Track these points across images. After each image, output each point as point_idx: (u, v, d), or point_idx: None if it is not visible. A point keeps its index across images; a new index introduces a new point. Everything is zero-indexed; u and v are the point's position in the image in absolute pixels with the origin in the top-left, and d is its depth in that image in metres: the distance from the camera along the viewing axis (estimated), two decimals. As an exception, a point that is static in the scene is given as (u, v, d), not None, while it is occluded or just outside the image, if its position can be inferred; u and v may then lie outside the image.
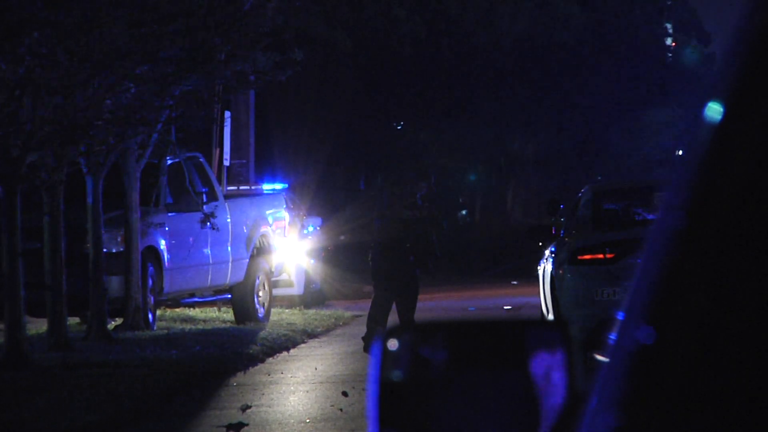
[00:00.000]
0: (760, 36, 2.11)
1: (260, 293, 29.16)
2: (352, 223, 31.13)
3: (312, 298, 32.29)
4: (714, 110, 2.10)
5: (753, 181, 2.04)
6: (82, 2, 19.53)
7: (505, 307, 29.68)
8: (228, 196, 29.91)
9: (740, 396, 1.94)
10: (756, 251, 2.01)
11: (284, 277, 31.37)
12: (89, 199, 25.22)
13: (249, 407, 18.11)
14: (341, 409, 17.61)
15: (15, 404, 18.47)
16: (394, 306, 23.51)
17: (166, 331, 26.37)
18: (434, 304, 24.02)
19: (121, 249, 26.23)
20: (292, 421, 17.37)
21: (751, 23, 2.14)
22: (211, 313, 29.75)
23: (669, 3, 57.49)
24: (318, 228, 33.17)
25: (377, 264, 23.35)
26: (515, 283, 33.73)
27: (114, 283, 26.05)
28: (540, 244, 24.30)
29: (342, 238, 31.86)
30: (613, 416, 2.00)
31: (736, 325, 1.98)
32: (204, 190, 28.56)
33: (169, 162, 27.87)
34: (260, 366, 22.64)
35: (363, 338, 23.20)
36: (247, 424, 16.75)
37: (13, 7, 18.06)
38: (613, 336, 2.13)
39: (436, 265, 24.03)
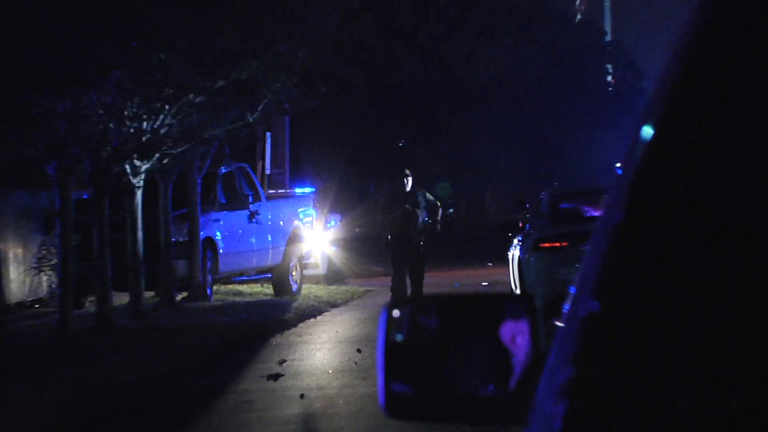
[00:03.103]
0: (680, 77, 2.10)
1: (294, 273, 29.14)
2: (364, 218, 30.83)
3: (333, 276, 32.22)
4: (646, 132, 2.09)
5: (675, 186, 2.03)
6: (155, 49, 19.53)
7: (483, 284, 29.59)
8: (269, 198, 29.87)
9: (664, 351, 1.93)
10: (676, 241, 1.99)
11: (312, 260, 31.28)
12: (161, 200, 25.23)
13: (285, 361, 18.10)
14: (356, 363, 17.59)
15: (104, 359, 18.47)
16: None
17: (220, 302, 26.35)
18: (428, 281, 24.00)
19: (186, 239, 26.22)
20: (318, 371, 17.34)
21: (673, 68, 2.12)
22: (256, 288, 29.70)
23: (610, 48, 57.46)
24: (338, 222, 33.07)
25: (392, 253, 23.33)
26: (490, 264, 33.61)
27: (180, 265, 26.04)
28: (510, 234, 24.22)
29: (357, 230, 31.62)
30: (567, 370, 1.99)
31: (661, 298, 1.97)
32: (250, 193, 28.59)
33: (223, 171, 27.88)
34: (293, 329, 22.62)
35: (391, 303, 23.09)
36: (283, 374, 16.75)
37: (102, 53, 18.09)
38: (567, 306, 2.12)
39: (439, 234, 24.03)
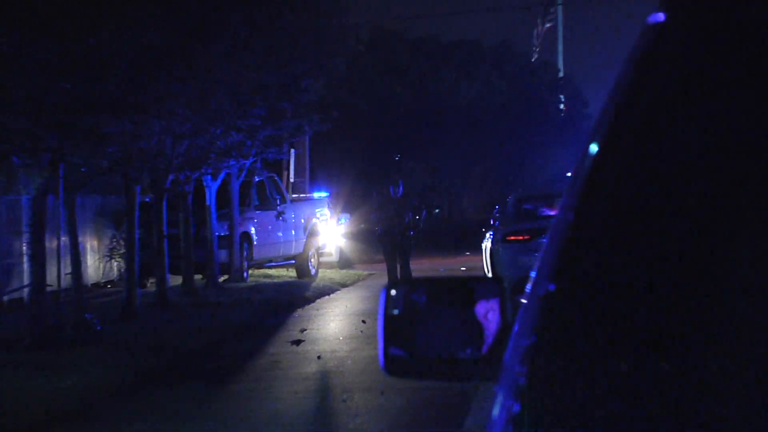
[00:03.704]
0: (619, 106, 2.09)
1: (312, 260, 29.10)
2: (367, 217, 31.12)
3: (343, 262, 32.18)
4: (592, 149, 2.08)
5: (614, 192, 2.02)
6: (202, 82, 19.54)
7: (462, 269, 29.59)
8: (292, 201, 29.85)
9: (606, 323, 1.92)
10: (615, 236, 1.99)
11: (326, 250, 31.26)
12: (208, 203, 25.24)
13: (305, 330, 18.08)
14: (361, 331, 17.57)
15: (161, 329, 18.48)
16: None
17: (254, 283, 26.33)
18: (418, 267, 24.02)
19: (227, 233, 26.23)
20: (331, 338, 17.34)
21: (613, 99, 2.12)
22: (282, 272, 29.67)
23: (562, 83, 57.44)
24: (347, 220, 33.08)
25: (382, 244, 23.28)
26: (468, 253, 33.60)
27: (222, 254, 26.07)
28: (483, 230, 24.20)
29: (362, 226, 31.67)
30: (529, 338, 1.98)
31: (603, 280, 1.96)
32: (278, 196, 28.57)
33: (257, 179, 27.86)
34: (312, 304, 22.59)
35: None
36: (303, 340, 16.74)
37: (159, 86, 18.10)
38: (529, 287, 2.11)
39: (420, 232, 24.02)
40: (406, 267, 22.57)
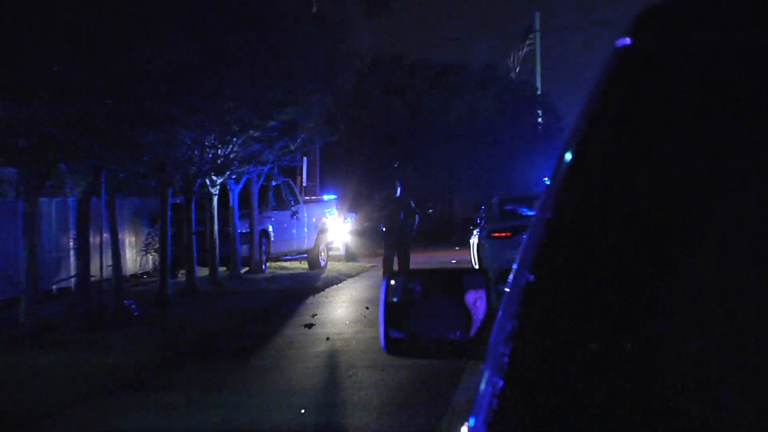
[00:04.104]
0: (589, 120, 2.09)
1: (322, 253, 29.09)
2: (370, 216, 31.11)
3: (349, 256, 32.17)
4: (566, 157, 2.08)
5: (587, 194, 2.02)
6: (227, 98, 19.54)
7: (452, 261, 29.58)
8: (305, 202, 29.87)
9: (578, 308, 1.92)
10: (587, 232, 1.98)
11: (334, 245, 31.28)
12: (231, 204, 25.26)
13: (315, 315, 18.09)
14: (365, 316, 17.59)
15: (190, 313, 18.48)
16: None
17: (271, 274, 26.34)
18: (414, 260, 24.04)
19: (248, 230, 26.25)
20: (338, 322, 17.34)
21: (585, 114, 2.11)
22: (296, 264, 29.69)
23: (539, 100, 57.45)
24: (352, 218, 33.08)
25: (385, 239, 23.27)
26: (457, 248, 33.61)
27: (244, 249, 26.08)
28: (471, 227, 24.17)
29: (365, 224, 31.72)
30: (511, 322, 1.98)
31: (576, 271, 1.96)
32: (292, 198, 28.58)
33: (274, 184, 27.88)
34: (321, 293, 22.58)
35: (383, 276, 23.04)
36: (314, 324, 16.75)
37: (189, 102, 18.11)
38: (511, 277, 2.10)
39: (416, 234, 24.02)
40: (405, 259, 22.57)
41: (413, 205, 23.06)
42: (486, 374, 1.98)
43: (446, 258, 30.80)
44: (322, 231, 29.19)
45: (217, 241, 24.14)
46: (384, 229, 22.60)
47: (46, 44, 11.83)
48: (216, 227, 24.18)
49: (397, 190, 22.85)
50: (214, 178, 23.53)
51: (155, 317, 17.74)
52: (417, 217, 23.00)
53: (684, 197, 1.96)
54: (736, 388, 1.83)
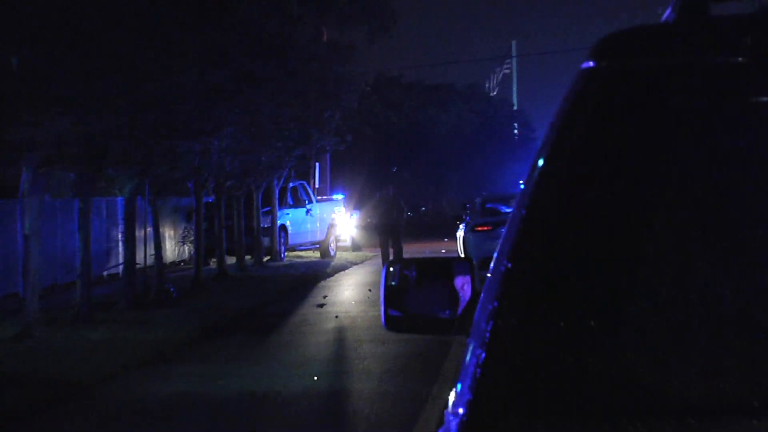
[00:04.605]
0: (558, 131, 2.09)
1: (332, 245, 29.06)
2: (371, 212, 31.15)
3: (354, 246, 32.17)
4: (539, 163, 2.08)
5: (555, 195, 2.02)
6: (251, 114, 19.58)
7: (442, 251, 29.62)
8: (318, 201, 29.88)
9: (549, 291, 1.92)
10: (556, 227, 1.98)
11: (342, 237, 31.28)
12: (255, 202, 25.28)
13: (326, 296, 18.10)
14: (368, 297, 17.59)
15: (220, 295, 18.49)
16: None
17: (289, 262, 26.33)
18: (408, 250, 24.05)
19: (269, 225, 26.24)
20: (346, 302, 17.34)
21: (553, 126, 2.12)
22: (310, 253, 29.70)
23: (516, 114, 57.43)
24: (357, 215, 33.08)
25: (378, 232, 23.27)
26: (446, 240, 33.63)
27: (266, 240, 26.08)
28: (458, 223, 24.19)
29: (368, 220, 31.78)
30: (492, 303, 1.97)
31: (547, 260, 1.96)
32: (306, 198, 28.57)
33: (291, 185, 27.88)
34: (331, 277, 22.58)
35: (383, 264, 23.04)
36: (325, 304, 16.75)
37: (220, 116, 18.15)
38: (492, 265, 2.10)
39: (405, 230, 24.05)
40: (398, 247, 22.54)
41: (402, 203, 23.11)
42: (471, 347, 1.99)
43: (437, 248, 30.81)
44: (331, 225, 29.18)
45: (243, 234, 24.15)
46: (375, 223, 22.64)
47: (102, 70, 11.85)
48: (242, 222, 24.20)
49: (389, 191, 22.89)
50: (241, 180, 23.55)
51: (191, 298, 17.74)
52: (405, 213, 22.99)
53: (637, 197, 1.97)
54: (685, 361, 1.84)
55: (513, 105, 60.50)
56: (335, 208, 30.14)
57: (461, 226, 22.69)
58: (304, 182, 29.24)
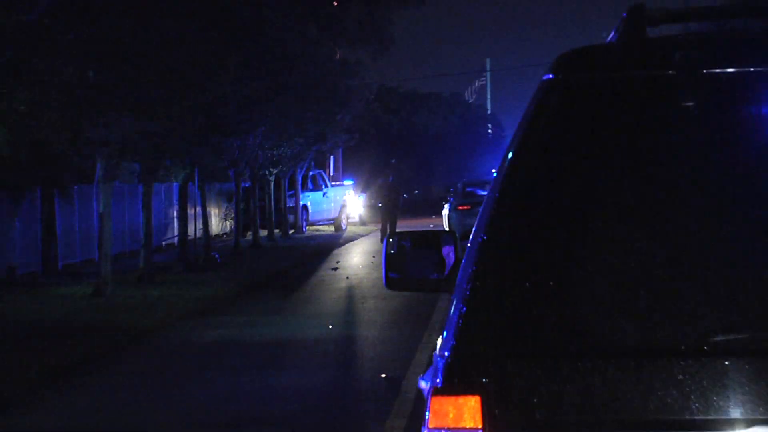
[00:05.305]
0: (523, 132, 2.08)
1: (343, 221, 28.98)
2: (377, 194, 31.12)
3: (361, 222, 32.11)
4: (508, 155, 2.07)
5: (521, 181, 2.01)
6: (279, 116, 19.54)
7: (431, 226, 29.61)
8: (332, 186, 29.84)
9: (520, 258, 1.92)
10: (522, 207, 1.98)
11: (352, 215, 31.24)
12: (283, 187, 25.25)
13: (339, 261, 18.08)
14: (373, 262, 17.58)
15: (255, 261, 18.46)
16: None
17: (309, 234, 26.30)
18: (403, 224, 24.02)
19: (293, 205, 26.24)
20: (355, 267, 17.32)
21: (519, 127, 2.11)
22: (326, 227, 29.67)
23: (490, 116, 57.31)
24: (364, 197, 33.03)
25: (381, 210, 23.21)
26: (434, 217, 33.56)
27: (291, 217, 26.08)
28: (443, 203, 24.09)
29: (372, 201, 31.78)
30: (472, 267, 1.97)
31: (516, 233, 1.95)
32: (323, 183, 28.55)
33: (311, 173, 27.89)
34: (343, 246, 22.52)
35: (381, 237, 23.06)
36: (338, 268, 16.73)
37: (255, 117, 18.13)
38: (471, 237, 2.10)
39: (401, 209, 24.02)
40: (393, 225, 22.57)
41: (399, 188, 23.07)
42: (454, 302, 1.98)
43: (426, 224, 30.82)
44: (343, 205, 29.13)
45: (273, 212, 24.14)
46: (380, 205, 22.64)
47: (159, 81, 11.83)
48: (272, 203, 24.17)
49: (390, 178, 22.85)
50: (271, 170, 23.51)
51: (231, 264, 17.73)
52: (401, 196, 22.92)
53: (586, 182, 1.96)
54: (625, 313, 1.85)
55: (487, 109, 60.55)
56: (346, 192, 30.09)
57: (446, 206, 22.63)
58: (321, 171, 29.23)
